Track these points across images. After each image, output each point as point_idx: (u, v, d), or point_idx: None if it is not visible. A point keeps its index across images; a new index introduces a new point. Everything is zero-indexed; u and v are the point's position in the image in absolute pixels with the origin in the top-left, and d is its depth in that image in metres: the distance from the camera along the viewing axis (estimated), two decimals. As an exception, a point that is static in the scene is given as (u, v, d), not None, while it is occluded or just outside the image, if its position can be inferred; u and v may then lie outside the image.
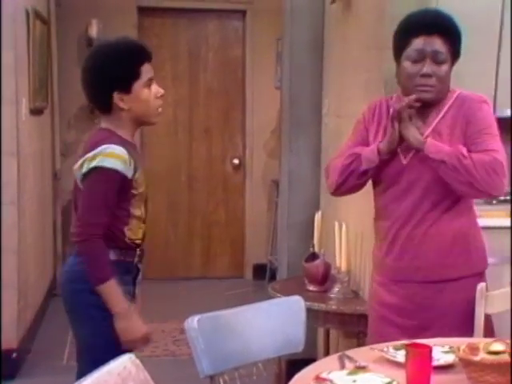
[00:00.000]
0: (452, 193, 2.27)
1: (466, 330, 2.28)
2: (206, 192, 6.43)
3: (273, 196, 6.21)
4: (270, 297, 3.08)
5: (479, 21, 3.19)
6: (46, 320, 4.94)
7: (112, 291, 2.17)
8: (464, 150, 2.20)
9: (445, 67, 2.26)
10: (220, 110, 6.38)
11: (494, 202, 3.54)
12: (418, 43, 2.25)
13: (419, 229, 2.29)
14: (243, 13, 6.31)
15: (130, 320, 2.20)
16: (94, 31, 5.87)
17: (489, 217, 3.18)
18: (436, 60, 2.24)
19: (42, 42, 5.04)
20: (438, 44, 2.24)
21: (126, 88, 2.22)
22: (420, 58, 2.25)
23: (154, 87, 2.28)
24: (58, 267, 5.83)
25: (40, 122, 5.16)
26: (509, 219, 3.16)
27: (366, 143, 2.38)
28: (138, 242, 2.31)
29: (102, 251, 2.18)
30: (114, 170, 2.16)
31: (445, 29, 2.27)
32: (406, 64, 2.27)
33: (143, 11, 6.17)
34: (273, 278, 5.93)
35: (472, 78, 3.18)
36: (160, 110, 2.32)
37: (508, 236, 3.07)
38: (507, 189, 2.63)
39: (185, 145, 6.36)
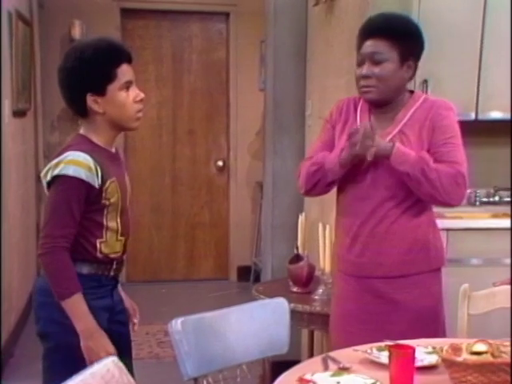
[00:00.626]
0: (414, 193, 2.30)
1: (427, 324, 2.33)
2: (190, 194, 6.42)
3: (257, 198, 6.21)
4: (255, 299, 3.08)
5: (461, 25, 3.22)
6: (30, 323, 4.90)
7: (76, 308, 2.05)
8: (430, 161, 2.24)
9: (386, 66, 2.27)
10: (204, 112, 6.38)
11: (478, 203, 3.58)
12: (362, 48, 2.31)
13: (381, 226, 2.32)
14: (227, 15, 6.31)
15: (94, 339, 2.06)
16: (76, 33, 5.85)
17: (472, 218, 3.22)
18: (373, 60, 2.27)
19: (24, 44, 5.01)
20: (378, 45, 2.27)
21: (100, 90, 2.10)
22: (362, 61, 2.31)
23: (133, 90, 2.16)
24: (42, 270, 5.80)
25: (23, 124, 5.13)
26: (493, 220, 3.20)
27: (333, 142, 2.42)
28: (113, 255, 2.18)
29: (67, 264, 2.06)
30: (77, 179, 2.04)
31: (387, 30, 2.28)
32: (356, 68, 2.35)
33: (126, 13, 6.14)
34: (257, 279, 5.93)
35: (453, 82, 3.22)
36: (139, 114, 2.19)
37: (489, 237, 3.11)
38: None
39: (168, 147, 6.35)
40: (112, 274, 2.21)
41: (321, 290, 3.13)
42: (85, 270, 2.13)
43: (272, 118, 4.07)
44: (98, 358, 2.02)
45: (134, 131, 2.32)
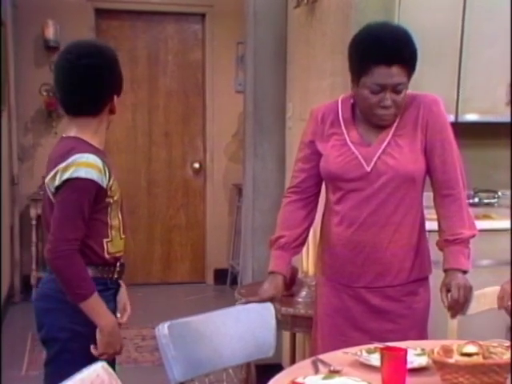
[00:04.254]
0: (410, 197, 2.26)
1: (422, 330, 2.32)
2: (166, 196, 6.38)
3: (234, 200, 6.20)
4: (232, 301, 3.04)
5: (441, 28, 3.24)
6: (5, 329, 4.83)
7: (96, 306, 2.08)
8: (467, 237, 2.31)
9: (404, 93, 2.21)
10: (180, 114, 6.35)
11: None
12: (378, 76, 2.17)
13: (384, 234, 2.26)
14: (202, 16, 6.29)
15: (114, 334, 2.11)
16: (50, 33, 5.79)
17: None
18: (396, 90, 2.19)
19: (-3, 44, 4.94)
20: (398, 75, 2.17)
21: (120, 93, 2.27)
22: (379, 90, 2.19)
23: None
24: (16, 274, 5.72)
25: (-4, 126, 5.05)
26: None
27: (314, 159, 2.37)
28: (118, 255, 2.21)
29: (80, 266, 2.07)
30: (89, 180, 2.05)
31: (405, 59, 2.19)
32: (366, 93, 2.20)
33: (100, 13, 6.10)
34: (234, 282, 5.93)
35: (433, 84, 3.23)
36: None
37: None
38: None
39: (144, 149, 6.31)
40: (116, 276, 2.22)
41: (304, 293, 3.12)
42: (91, 273, 2.13)
43: (252, 121, 4.05)
44: (114, 351, 2.12)
45: (108, 134, 2.34)
